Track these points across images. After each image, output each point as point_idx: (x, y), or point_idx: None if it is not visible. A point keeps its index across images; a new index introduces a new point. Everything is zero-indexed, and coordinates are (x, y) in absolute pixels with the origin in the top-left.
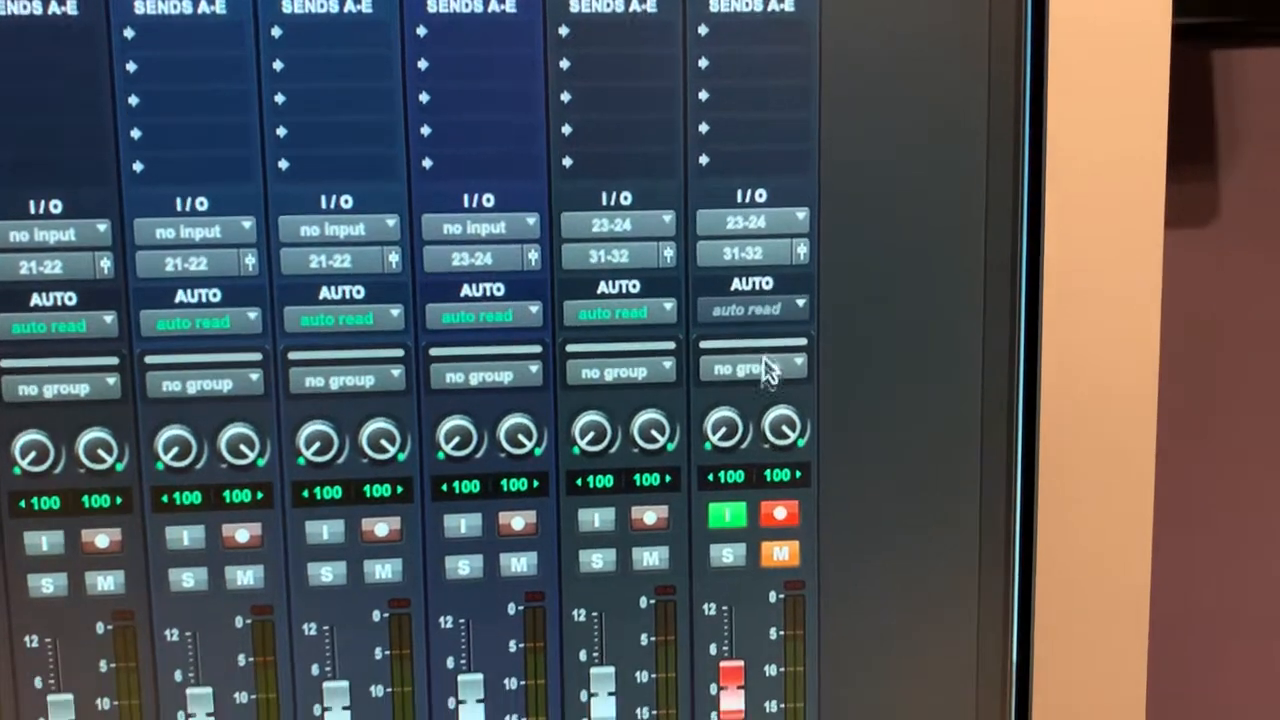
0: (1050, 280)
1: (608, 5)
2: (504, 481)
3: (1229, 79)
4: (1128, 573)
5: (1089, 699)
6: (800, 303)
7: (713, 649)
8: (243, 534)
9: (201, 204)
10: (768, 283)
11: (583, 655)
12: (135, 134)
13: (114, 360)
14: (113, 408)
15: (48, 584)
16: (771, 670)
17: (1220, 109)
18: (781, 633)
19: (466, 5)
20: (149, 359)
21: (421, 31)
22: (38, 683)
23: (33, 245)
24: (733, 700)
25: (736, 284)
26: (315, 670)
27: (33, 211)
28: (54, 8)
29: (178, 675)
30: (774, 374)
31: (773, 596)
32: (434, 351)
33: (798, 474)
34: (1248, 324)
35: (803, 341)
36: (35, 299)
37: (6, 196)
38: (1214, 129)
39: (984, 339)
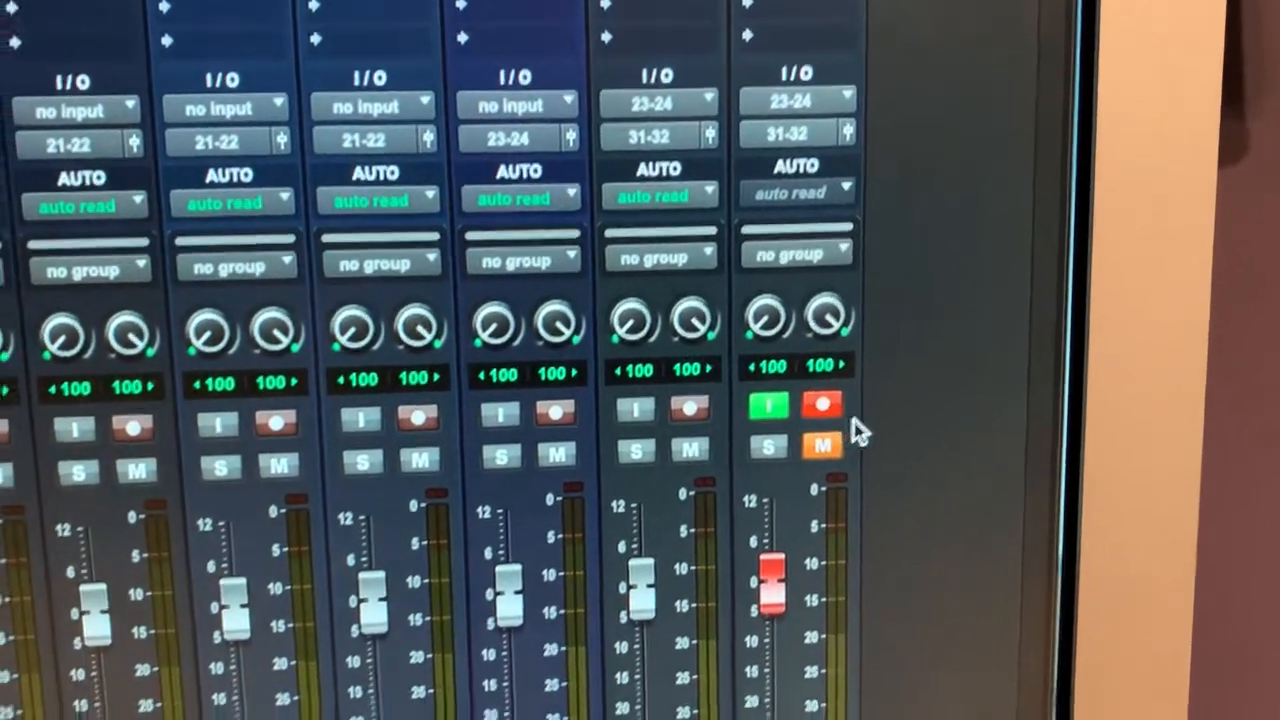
0: (1103, 166)
1: None
2: (542, 370)
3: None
4: (1176, 469)
5: (1136, 581)
6: (846, 186)
7: (753, 541)
8: (277, 421)
9: (232, 80)
10: (813, 165)
11: (621, 547)
12: (164, 6)
13: (144, 242)
14: (143, 291)
15: (79, 472)
16: (812, 563)
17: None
18: (823, 525)
19: None
20: (180, 240)
21: None
22: (70, 572)
23: (60, 122)
24: (773, 593)
25: (780, 166)
26: (351, 561)
27: (60, 87)
28: None
29: (211, 566)
30: (863, 436)
31: (814, 489)
32: (470, 235)
33: (841, 363)
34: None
35: (848, 226)
36: (63, 178)
37: (33, 71)
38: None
39: (1034, 226)
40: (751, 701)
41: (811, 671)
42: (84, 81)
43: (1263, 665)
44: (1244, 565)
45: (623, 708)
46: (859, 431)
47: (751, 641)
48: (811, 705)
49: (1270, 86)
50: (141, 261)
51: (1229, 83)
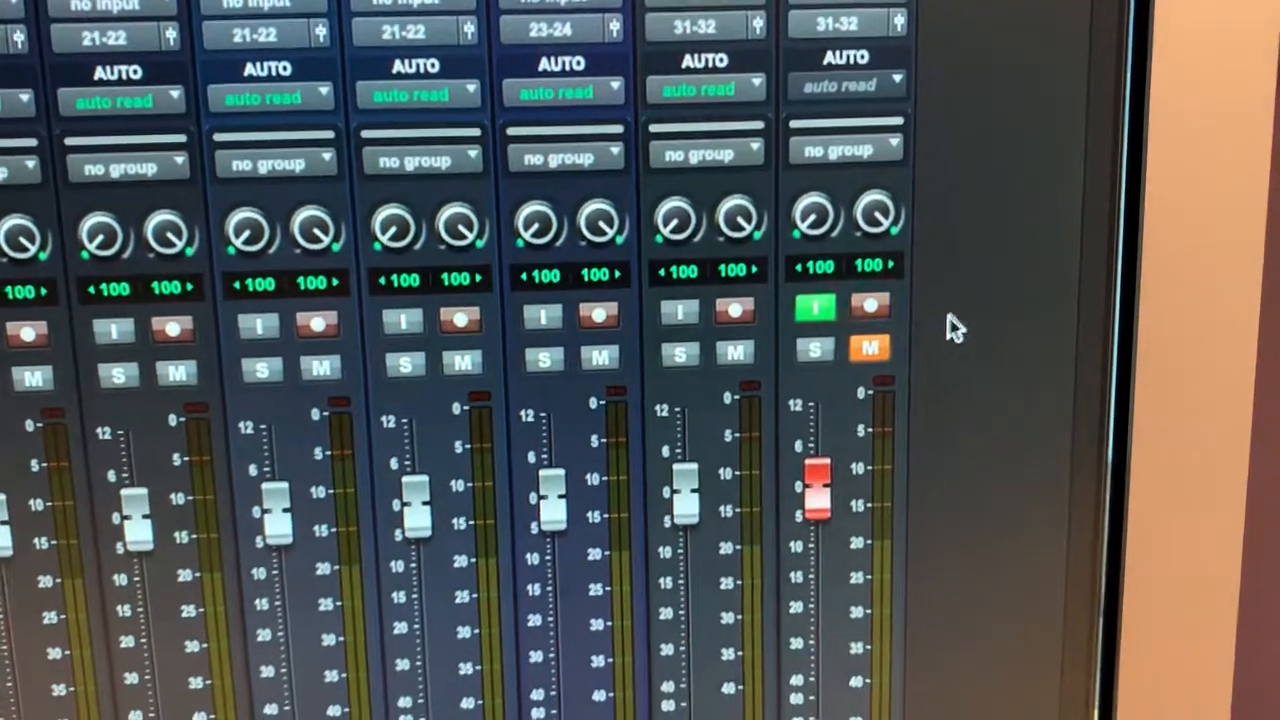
0: (1160, 60)
1: None
2: (585, 271)
3: None
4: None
5: (1183, 507)
6: (897, 78)
7: (798, 446)
8: (318, 322)
9: None
10: (863, 56)
11: (666, 451)
12: None
13: (182, 138)
14: (182, 188)
15: (119, 374)
16: (858, 468)
17: None
18: (869, 430)
19: None
20: (218, 136)
21: None
22: (110, 476)
23: (95, 14)
24: (818, 498)
25: (830, 58)
26: (394, 464)
27: None
28: None
29: (252, 469)
30: (959, 332)
31: (861, 392)
32: (511, 131)
33: (889, 264)
34: None
35: (899, 121)
36: (99, 72)
37: None
38: None
39: (1087, 120)
40: (796, 607)
41: (856, 577)
42: None
43: None
44: None
45: (666, 613)
46: (954, 329)
47: (796, 547)
48: (856, 611)
49: None
50: (180, 158)
51: None
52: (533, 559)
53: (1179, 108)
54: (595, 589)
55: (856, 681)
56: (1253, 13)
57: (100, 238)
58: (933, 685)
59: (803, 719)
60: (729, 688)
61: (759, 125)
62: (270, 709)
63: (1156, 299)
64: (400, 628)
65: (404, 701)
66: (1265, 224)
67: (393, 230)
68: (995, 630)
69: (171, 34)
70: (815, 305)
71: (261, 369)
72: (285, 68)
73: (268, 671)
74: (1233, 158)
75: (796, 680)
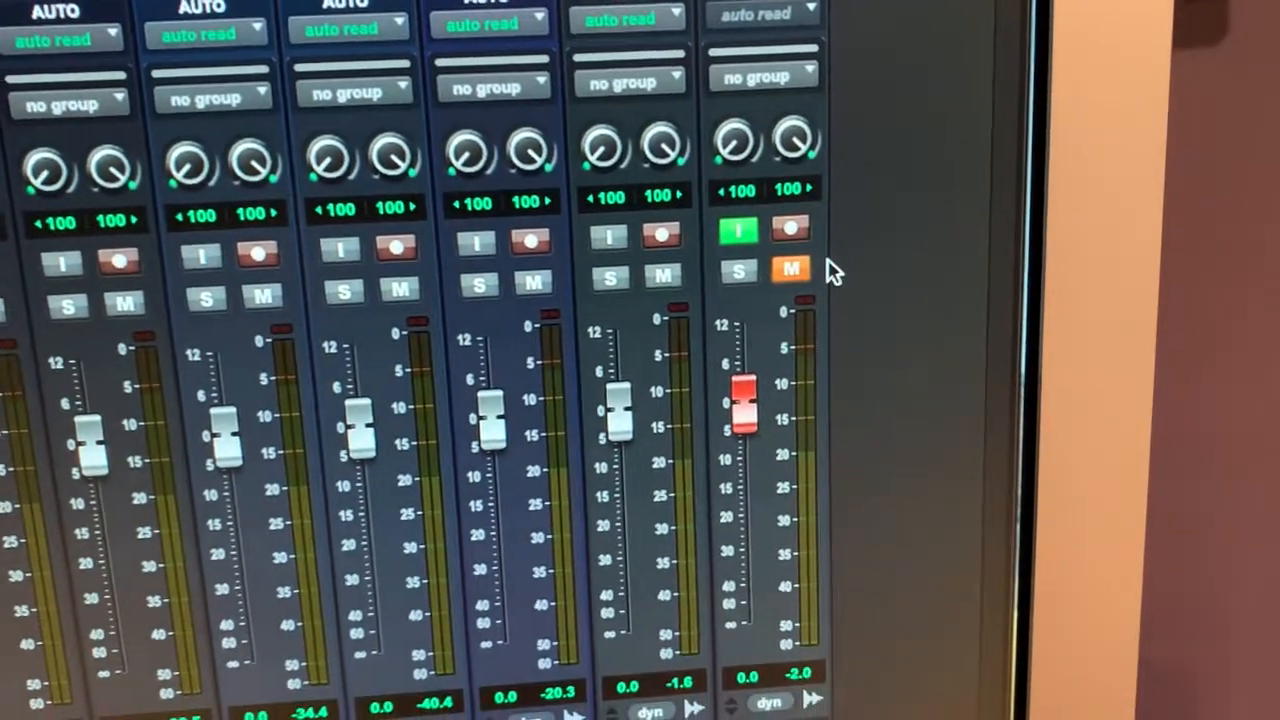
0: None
1: None
2: (516, 198)
3: None
4: (1135, 291)
5: (1095, 414)
6: (811, 6)
7: (725, 364)
8: (259, 252)
9: None
10: None
11: (599, 371)
12: None
13: (121, 75)
14: (122, 124)
15: (68, 305)
16: (783, 384)
17: None
18: (792, 347)
19: None
20: (156, 73)
21: None
22: (64, 404)
23: None
24: (745, 413)
25: None
26: (337, 388)
27: None
28: None
29: (200, 395)
30: (837, 275)
31: (783, 311)
32: (440, 63)
33: (808, 187)
34: (1255, 141)
35: (813, 49)
36: (37, 10)
37: None
38: None
39: (995, 44)
40: (726, 517)
41: (783, 487)
42: None
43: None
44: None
45: (603, 524)
46: (833, 271)
47: (725, 460)
48: (783, 520)
49: None
50: (119, 94)
51: None
52: (474, 476)
53: (1083, 30)
54: (535, 504)
55: (785, 586)
56: None
57: (45, 173)
58: (859, 588)
59: (735, 623)
60: (664, 595)
61: (679, 54)
62: (226, 624)
63: (1064, 216)
64: (348, 545)
65: (354, 615)
66: (1164, 166)
67: (328, 160)
68: (916, 534)
69: None
70: (738, 228)
71: (206, 298)
72: (219, 4)
73: (223, 589)
74: (1134, 88)
75: (728, 586)
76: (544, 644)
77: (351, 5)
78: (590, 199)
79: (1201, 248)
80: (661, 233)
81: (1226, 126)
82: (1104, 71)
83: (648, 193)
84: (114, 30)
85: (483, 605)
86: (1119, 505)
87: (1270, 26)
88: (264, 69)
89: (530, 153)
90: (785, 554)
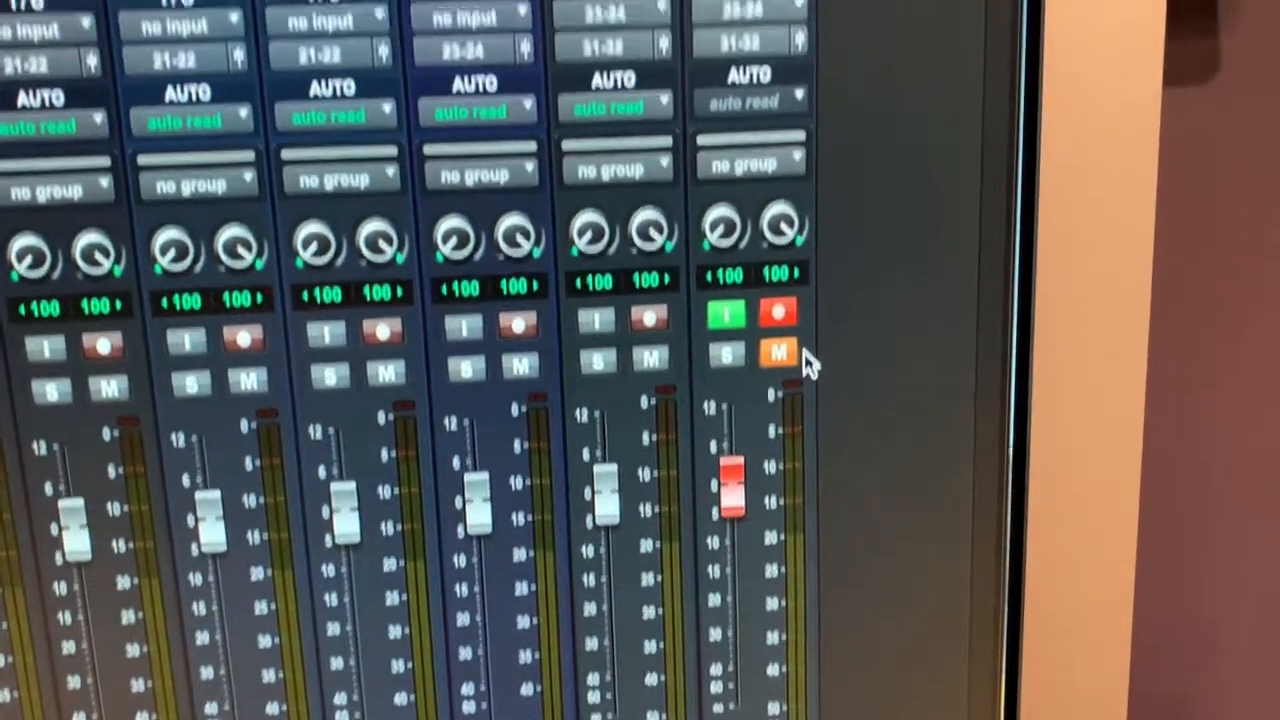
0: (1051, 76)
1: None
2: (503, 283)
3: None
4: (1124, 365)
5: (1083, 483)
6: (799, 94)
7: (713, 446)
8: (244, 337)
9: None
10: (765, 74)
11: (586, 454)
12: None
13: (106, 161)
14: (107, 210)
15: (52, 390)
16: (771, 467)
17: None
18: (780, 430)
19: None
20: (141, 159)
21: None
22: (48, 489)
23: (15, 42)
24: (733, 496)
25: (734, 75)
26: (323, 473)
27: (13, 6)
28: None
29: (185, 480)
30: (813, 368)
31: (771, 394)
32: (428, 149)
33: (796, 272)
34: (1247, 179)
35: (801, 136)
36: (22, 98)
37: None
38: None
39: (983, 133)
40: (714, 600)
41: (771, 570)
42: (38, 0)
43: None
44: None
45: (590, 609)
46: (809, 364)
47: (713, 543)
48: (772, 603)
49: (1241, 4)
50: (104, 181)
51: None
52: (460, 560)
53: (1070, 124)
54: (521, 587)
55: (773, 670)
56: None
57: (29, 258)
58: (847, 672)
59: (723, 707)
60: (652, 679)
61: (668, 141)
62: (210, 708)
63: (1054, 293)
64: (333, 629)
65: (339, 699)
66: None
67: (314, 246)
68: (905, 618)
69: (93, 60)
70: (726, 312)
71: (191, 383)
72: (205, 91)
73: (207, 673)
74: (1121, 176)
75: (716, 670)
76: None
77: (339, 93)
78: (578, 283)
79: (1192, 304)
80: (649, 316)
81: (1217, 163)
82: (1093, 163)
83: (636, 277)
84: (99, 116)
85: (468, 689)
86: (1107, 583)
87: (1262, 64)
88: (250, 155)
89: (518, 238)
90: (773, 637)
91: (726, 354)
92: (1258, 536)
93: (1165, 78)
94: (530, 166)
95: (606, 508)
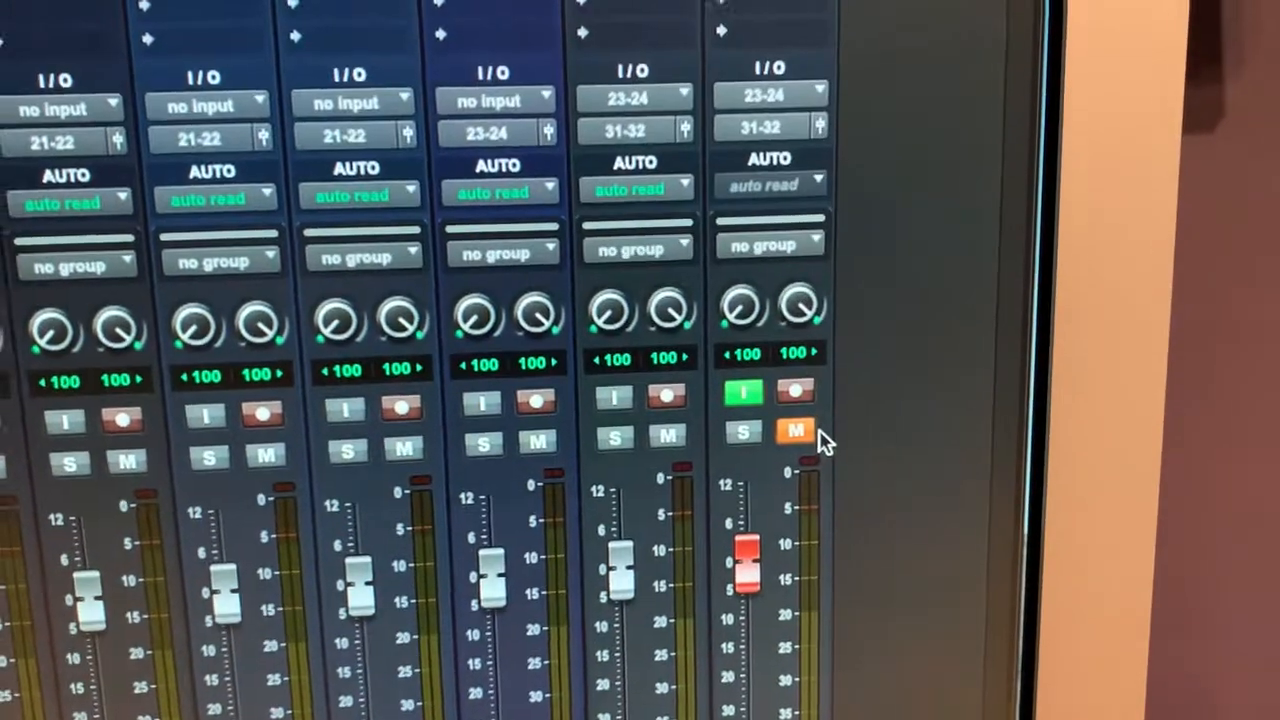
0: (1069, 160)
1: None
2: (522, 360)
3: None
4: (1138, 456)
5: (1099, 573)
6: (818, 178)
7: (729, 523)
8: (263, 412)
9: (214, 77)
10: (785, 158)
11: (601, 530)
12: (144, 5)
13: (129, 238)
14: (130, 286)
15: (70, 463)
16: (786, 544)
17: (1228, 10)
18: (796, 507)
19: None
20: (164, 236)
21: None
22: (64, 560)
23: (43, 120)
24: (748, 573)
25: (754, 159)
26: (338, 546)
27: (42, 85)
28: None
29: (201, 552)
30: (829, 447)
31: (788, 472)
32: (450, 229)
33: (813, 351)
34: (1247, 224)
35: (820, 218)
36: (48, 175)
37: (15, 70)
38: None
39: (1001, 219)
40: (728, 677)
41: (785, 648)
42: (66, 80)
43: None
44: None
45: (603, 684)
46: (825, 442)
47: (727, 619)
48: (785, 680)
49: (1248, 53)
50: (127, 257)
51: (1206, 48)
52: (473, 635)
53: (1087, 186)
54: (534, 662)
55: None
56: (1158, 138)
57: (51, 333)
58: None
59: None
60: None
61: (688, 223)
62: None
63: (1068, 388)
64: (346, 701)
65: None
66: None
67: (335, 323)
68: (919, 696)
69: (118, 138)
70: (743, 390)
71: (209, 457)
72: (230, 170)
73: None
74: (1139, 265)
75: None
76: None
77: (363, 173)
78: (596, 360)
79: (1209, 345)
80: (667, 394)
81: (1229, 209)
82: (1109, 243)
83: (654, 355)
84: (123, 194)
85: None
86: (1123, 617)
87: (1268, 109)
88: (273, 234)
89: (538, 316)
90: (786, 714)
91: (743, 431)
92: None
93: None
94: (551, 245)
95: (621, 583)
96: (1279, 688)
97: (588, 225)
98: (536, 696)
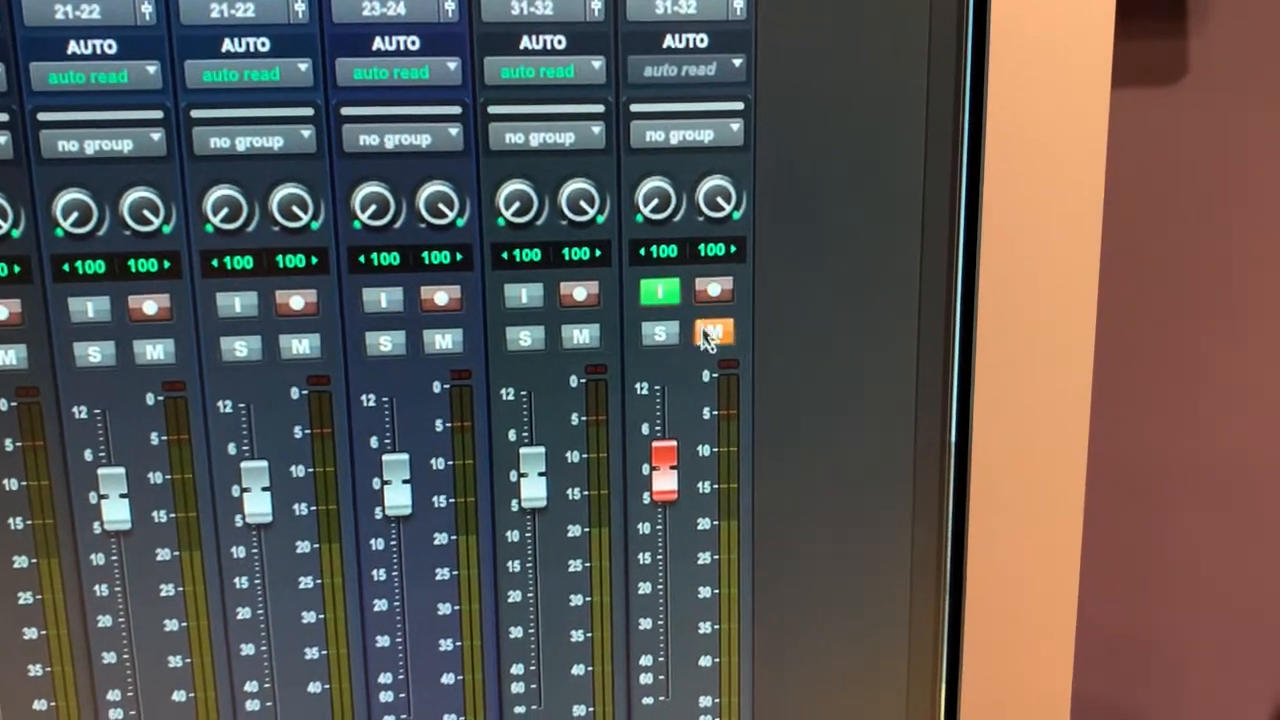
0: (997, 50)
1: None
2: (425, 254)
3: None
4: (1069, 369)
5: (1027, 478)
6: (737, 63)
7: (645, 428)
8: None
9: None
10: (702, 40)
11: (512, 435)
12: None
13: (158, 114)
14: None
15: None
16: (705, 450)
17: None
18: (715, 412)
19: None
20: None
21: None
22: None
23: None
24: (665, 480)
25: (669, 41)
26: (232, 450)
27: None
28: None
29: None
30: (712, 342)
31: (706, 375)
32: (345, 110)
33: (732, 248)
34: (1211, 182)
35: (739, 106)
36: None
37: None
38: None
39: (927, 104)
40: (644, 588)
41: (704, 558)
42: None
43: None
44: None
45: (514, 595)
46: (707, 338)
47: (644, 528)
48: (704, 591)
49: (1212, 6)
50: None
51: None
52: (377, 543)
53: (1016, 89)
54: (442, 573)
55: (705, 661)
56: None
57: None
58: (781, 664)
59: (652, 699)
60: (578, 669)
61: (599, 109)
62: (250, 686)
63: (995, 283)
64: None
65: (250, 686)
66: (1100, 228)
67: (225, 211)
68: (842, 607)
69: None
70: (660, 289)
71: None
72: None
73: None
74: (1072, 126)
75: (646, 660)
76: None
77: (253, 49)
78: (505, 255)
79: (1138, 281)
80: (580, 292)
81: (1181, 165)
82: (1041, 127)
83: (565, 250)
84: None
85: (385, 679)
86: (1051, 561)
87: (1230, 65)
88: (159, 114)
89: (441, 207)
90: (705, 627)
91: (660, 332)
92: (1202, 537)
93: (1129, 78)
94: (454, 131)
95: (533, 490)
96: (1209, 694)
97: (493, 110)
98: (444, 609)
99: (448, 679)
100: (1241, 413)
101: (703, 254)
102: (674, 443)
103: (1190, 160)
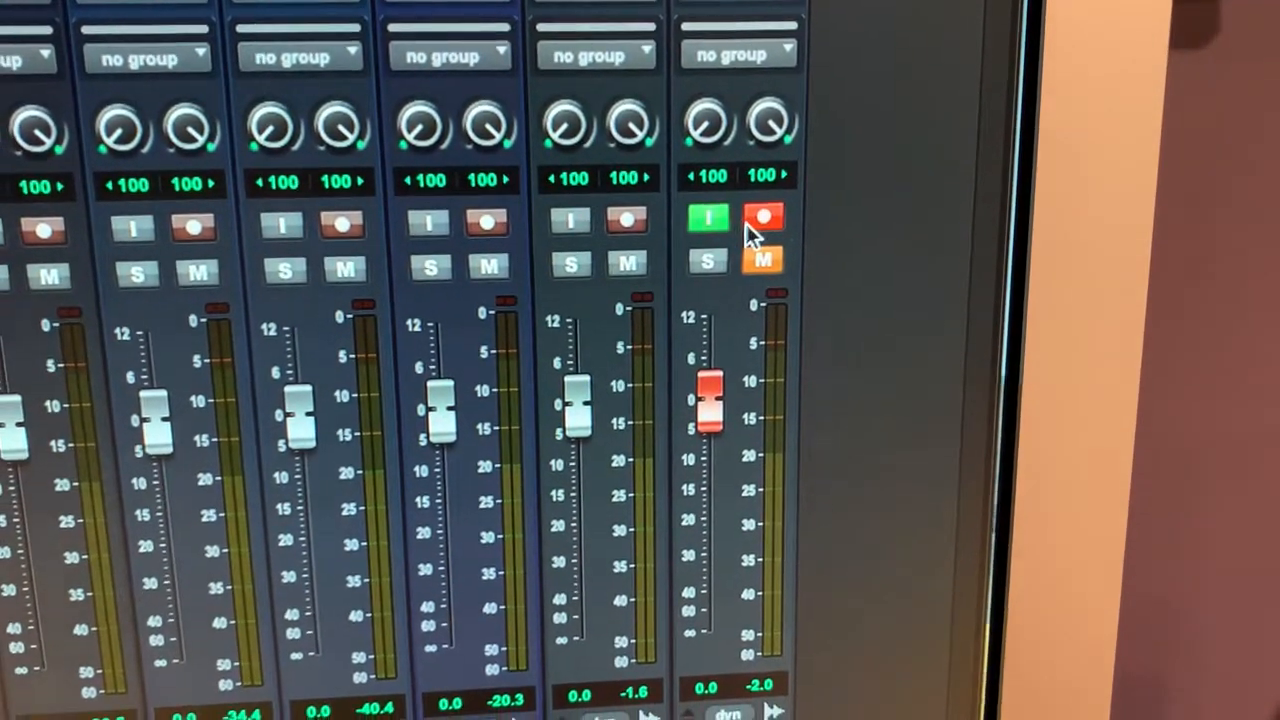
0: None
1: None
2: (472, 176)
3: None
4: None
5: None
6: None
7: (690, 358)
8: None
9: None
10: None
11: (557, 363)
12: None
13: (203, 29)
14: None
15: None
16: (751, 381)
17: None
18: (762, 342)
19: None
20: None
21: None
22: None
23: None
24: (710, 411)
25: None
26: (276, 374)
27: None
28: None
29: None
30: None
31: (754, 304)
32: (393, 27)
33: (783, 174)
34: (1248, 141)
35: (793, 25)
36: None
37: None
38: None
39: (984, 39)
40: (688, 520)
41: (749, 490)
42: None
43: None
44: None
45: (558, 525)
46: (752, 237)
47: (688, 460)
48: (748, 524)
49: None
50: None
51: None
52: (421, 471)
53: (1077, 21)
54: (486, 501)
55: (749, 594)
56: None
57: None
58: (825, 597)
59: (694, 631)
60: (621, 600)
61: (650, 26)
62: (292, 614)
63: (1052, 214)
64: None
65: (291, 614)
66: (1157, 169)
67: (270, 130)
68: (887, 541)
69: None
70: (708, 215)
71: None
72: None
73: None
74: (1127, 84)
75: (688, 593)
76: (492, 649)
77: None
78: (551, 179)
79: (1192, 251)
80: (627, 217)
81: (1218, 128)
82: (1097, 66)
83: (613, 174)
84: None
85: (428, 607)
86: (1098, 514)
87: (1262, 27)
88: (204, 29)
89: (488, 127)
90: (749, 560)
91: (707, 260)
92: (1243, 521)
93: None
94: (503, 49)
95: (577, 419)
96: (1248, 694)
97: (542, 27)
98: (488, 537)
99: (490, 608)
100: None
101: (753, 179)
102: (720, 373)
103: (1226, 122)
